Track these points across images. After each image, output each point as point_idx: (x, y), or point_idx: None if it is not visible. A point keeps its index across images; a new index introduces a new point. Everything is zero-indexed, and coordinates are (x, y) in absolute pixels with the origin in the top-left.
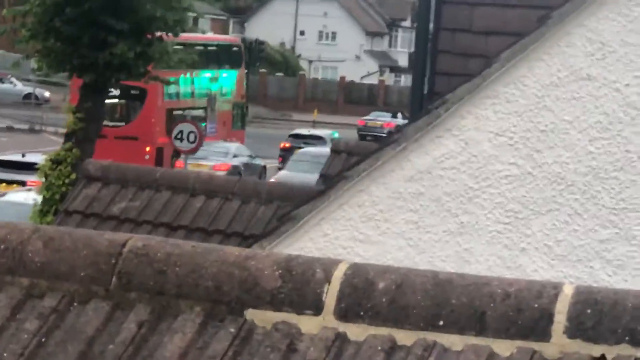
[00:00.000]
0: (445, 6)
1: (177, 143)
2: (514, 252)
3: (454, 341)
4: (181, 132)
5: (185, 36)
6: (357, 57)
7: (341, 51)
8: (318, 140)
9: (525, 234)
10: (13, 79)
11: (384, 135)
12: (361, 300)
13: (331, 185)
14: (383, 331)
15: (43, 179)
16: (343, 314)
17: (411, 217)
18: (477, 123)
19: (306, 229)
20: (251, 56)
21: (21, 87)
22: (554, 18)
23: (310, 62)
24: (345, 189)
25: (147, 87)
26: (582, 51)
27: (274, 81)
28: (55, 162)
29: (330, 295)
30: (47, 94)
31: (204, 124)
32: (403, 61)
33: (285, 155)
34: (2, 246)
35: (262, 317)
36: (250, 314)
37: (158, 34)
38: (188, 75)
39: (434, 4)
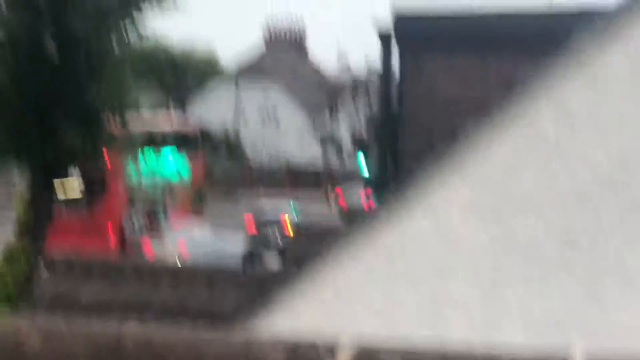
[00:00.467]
0: (406, 84)
1: (130, 232)
2: (490, 323)
3: None
4: (133, 220)
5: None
6: (302, 140)
7: (285, 134)
8: None
9: (500, 305)
10: None
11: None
12: None
13: (304, 265)
14: None
15: None
16: None
17: (387, 295)
18: (447, 196)
19: (281, 310)
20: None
21: None
22: (519, 90)
23: (254, 147)
24: (318, 269)
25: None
26: (550, 121)
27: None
28: (9, 258)
29: None
30: None
31: (158, 212)
32: (347, 142)
33: None
34: None
35: None
36: None
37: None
38: (150, 162)
39: (397, 84)
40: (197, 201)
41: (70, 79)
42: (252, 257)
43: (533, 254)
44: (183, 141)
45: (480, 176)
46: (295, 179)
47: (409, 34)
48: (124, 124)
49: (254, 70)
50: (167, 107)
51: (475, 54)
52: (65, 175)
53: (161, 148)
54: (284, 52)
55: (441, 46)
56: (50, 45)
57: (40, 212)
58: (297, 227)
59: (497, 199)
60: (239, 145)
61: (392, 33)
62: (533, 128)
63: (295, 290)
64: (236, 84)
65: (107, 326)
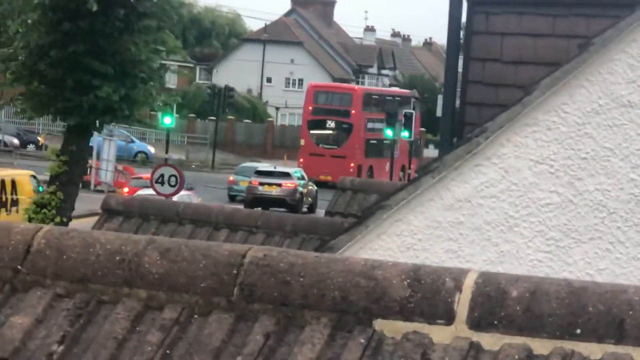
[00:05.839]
0: (475, 36)
1: (158, 187)
2: None
3: (593, 350)
4: (162, 175)
5: (370, 88)
6: None
7: None
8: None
9: (567, 263)
10: None
11: None
12: (494, 309)
13: (369, 215)
14: (518, 340)
15: (27, 223)
16: (476, 323)
17: (450, 246)
18: (517, 151)
19: None
20: (219, 103)
21: None
22: (595, 44)
23: (278, 108)
24: (383, 218)
25: (354, 123)
26: (623, 78)
27: (242, 128)
28: (40, 205)
29: (462, 305)
30: (15, 140)
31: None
32: None
33: None
34: (117, 258)
35: (391, 327)
36: (379, 324)
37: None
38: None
39: (464, 35)
40: (413, 147)
41: (107, 35)
42: None
43: (603, 213)
44: (407, 104)
45: (552, 133)
46: None
47: None
48: (160, 81)
49: (279, 33)
50: (191, 68)
51: (547, 12)
52: (99, 130)
53: (393, 110)
54: (310, 16)
55: (512, 3)
56: (91, 3)
57: (72, 166)
58: (339, 185)
59: (569, 156)
60: (263, 107)
61: None
62: (605, 86)
63: (359, 240)
64: (262, 45)
65: (229, 247)
